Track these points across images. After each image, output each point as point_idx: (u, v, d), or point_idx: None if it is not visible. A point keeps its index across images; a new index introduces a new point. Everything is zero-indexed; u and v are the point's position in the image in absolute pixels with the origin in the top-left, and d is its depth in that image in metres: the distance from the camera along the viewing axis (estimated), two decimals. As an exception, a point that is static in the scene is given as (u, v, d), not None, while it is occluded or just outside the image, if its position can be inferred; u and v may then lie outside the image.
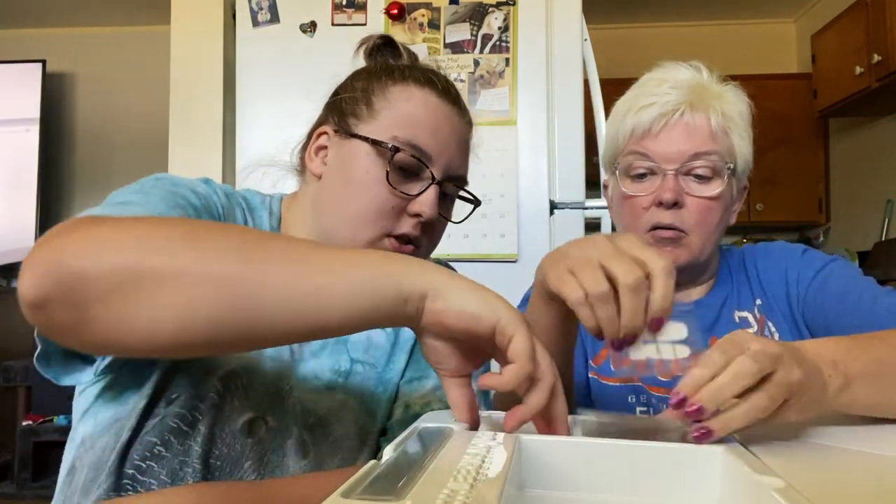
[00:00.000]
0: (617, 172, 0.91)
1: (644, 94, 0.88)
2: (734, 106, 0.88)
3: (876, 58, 2.75)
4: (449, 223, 0.77)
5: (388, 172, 0.68)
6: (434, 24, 1.85)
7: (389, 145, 0.68)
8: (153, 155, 2.98)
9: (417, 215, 0.69)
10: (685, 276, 0.91)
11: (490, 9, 1.84)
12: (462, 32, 1.85)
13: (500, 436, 0.41)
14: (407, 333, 0.76)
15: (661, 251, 0.84)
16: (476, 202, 0.78)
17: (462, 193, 0.77)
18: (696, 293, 0.95)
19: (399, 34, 1.85)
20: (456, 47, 1.84)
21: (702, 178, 0.86)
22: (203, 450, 0.61)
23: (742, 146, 0.88)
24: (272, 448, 0.65)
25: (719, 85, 0.89)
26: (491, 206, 1.80)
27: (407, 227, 0.69)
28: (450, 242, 1.89)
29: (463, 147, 0.75)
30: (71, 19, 3.82)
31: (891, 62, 2.68)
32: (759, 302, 0.91)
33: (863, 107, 3.10)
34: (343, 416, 0.69)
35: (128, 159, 3.75)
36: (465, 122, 0.76)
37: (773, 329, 0.89)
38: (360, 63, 0.80)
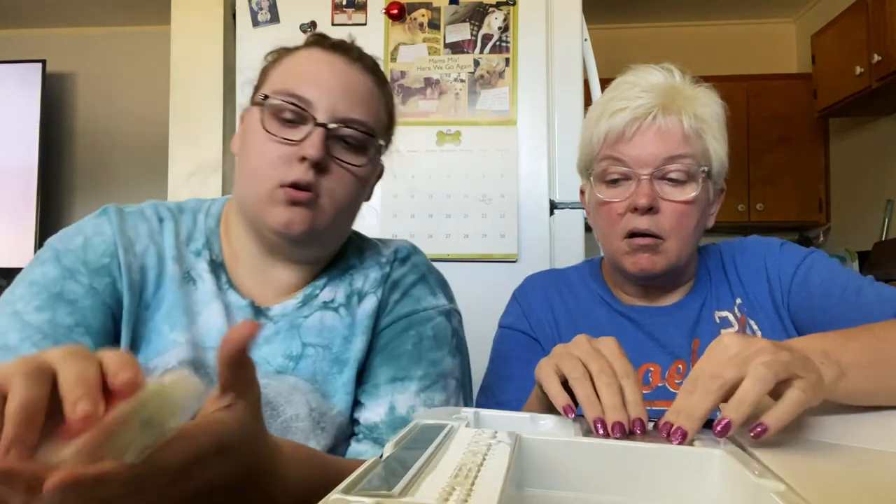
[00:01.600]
0: (592, 178, 0.91)
1: (616, 99, 0.87)
2: (708, 108, 0.87)
3: (876, 58, 2.75)
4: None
5: (262, 121, 0.70)
6: (434, 24, 1.85)
7: (262, 96, 0.71)
8: (153, 155, 2.98)
9: (304, 158, 0.69)
10: (663, 280, 0.91)
11: (490, 9, 1.84)
12: (462, 32, 1.85)
13: (501, 434, 0.41)
14: (363, 314, 0.77)
15: (639, 258, 0.86)
16: (371, 133, 0.74)
17: (356, 136, 0.72)
18: (675, 296, 0.94)
19: (399, 34, 1.85)
20: (456, 47, 1.84)
21: (676, 182, 0.85)
22: None
23: (717, 148, 0.87)
24: None
25: (692, 87, 0.89)
26: (491, 206, 1.80)
27: (298, 172, 0.69)
28: (450, 242, 1.89)
29: (353, 91, 0.73)
30: (71, 19, 3.81)
31: (891, 62, 2.68)
32: (739, 301, 0.90)
33: (863, 107, 3.10)
34: (293, 399, 0.71)
35: (128, 159, 3.75)
36: (356, 68, 0.74)
37: (755, 327, 0.88)
38: None
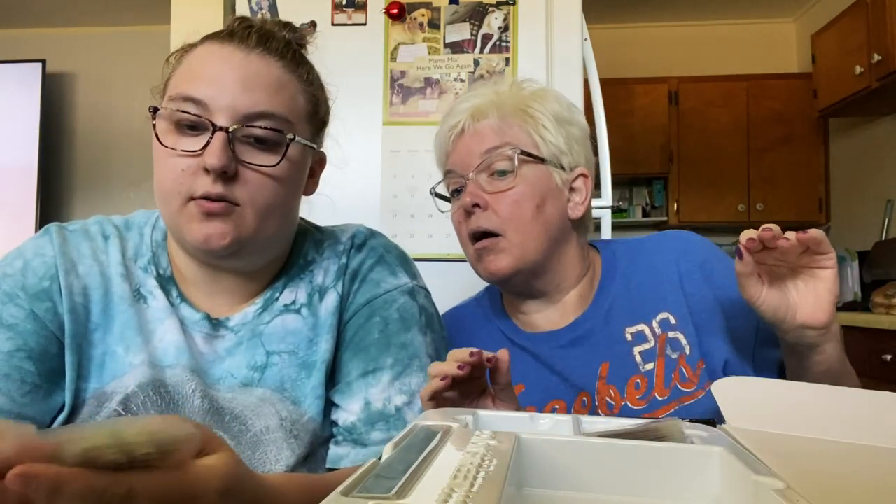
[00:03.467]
0: (436, 199, 0.94)
1: (442, 125, 0.91)
2: (534, 102, 0.86)
3: (876, 58, 2.75)
4: None
5: (159, 135, 0.64)
6: (434, 24, 1.85)
7: (152, 109, 0.65)
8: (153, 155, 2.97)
9: (207, 170, 0.63)
10: (521, 286, 0.87)
11: (490, 9, 1.84)
12: (462, 32, 1.85)
13: (500, 435, 0.41)
14: (326, 313, 0.74)
15: (486, 263, 0.84)
16: (280, 129, 0.66)
17: (264, 134, 0.65)
18: (570, 307, 0.87)
19: (399, 34, 1.85)
20: (456, 47, 1.84)
21: (503, 174, 0.83)
22: None
23: (545, 135, 0.84)
24: None
25: (521, 91, 0.88)
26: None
27: (204, 185, 0.63)
28: (449, 242, 1.89)
29: (253, 83, 0.65)
30: (71, 19, 3.82)
31: (891, 62, 2.68)
32: (661, 316, 0.83)
33: (863, 107, 3.10)
34: (262, 411, 0.68)
35: (128, 159, 3.75)
36: (256, 55, 0.66)
37: (683, 342, 0.81)
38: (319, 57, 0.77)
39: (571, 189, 0.88)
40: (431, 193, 0.95)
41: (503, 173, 0.83)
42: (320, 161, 0.79)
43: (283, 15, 1.88)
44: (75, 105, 3.87)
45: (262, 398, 0.69)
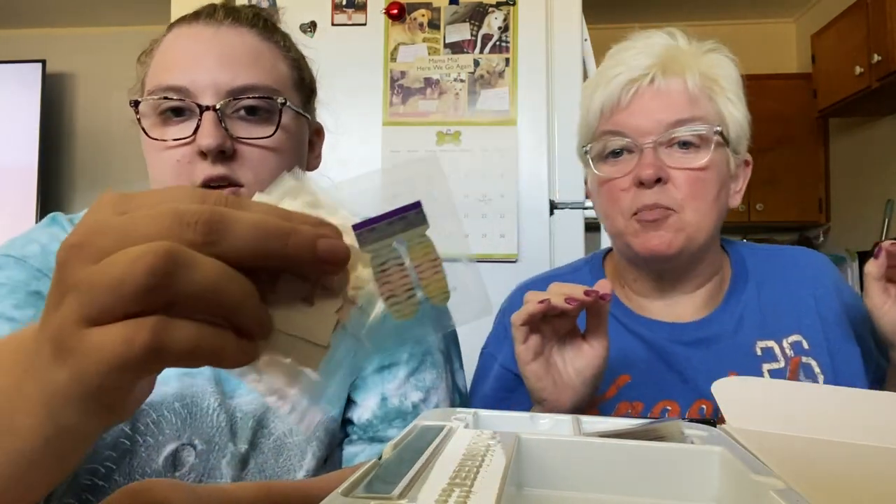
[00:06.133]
0: (590, 159, 0.79)
1: (611, 66, 0.77)
2: (718, 69, 0.77)
3: (876, 58, 2.75)
4: None
5: (145, 130, 0.62)
6: (434, 24, 1.85)
7: (133, 103, 0.63)
8: (144, 154, 2.97)
9: (203, 153, 0.60)
10: (679, 268, 0.79)
11: (490, 9, 1.84)
12: (462, 32, 1.84)
13: (501, 435, 0.41)
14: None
15: (649, 238, 0.74)
16: (269, 95, 0.63)
17: (253, 104, 0.63)
18: (700, 302, 0.81)
19: (399, 34, 1.85)
20: (456, 47, 1.84)
21: (686, 147, 0.74)
22: None
23: (733, 111, 0.77)
24: (206, 471, 0.62)
25: (699, 48, 0.79)
26: (491, 206, 1.80)
27: (205, 170, 0.61)
28: (449, 242, 1.89)
29: (230, 56, 0.62)
30: (71, 19, 3.81)
31: (891, 62, 2.67)
32: (793, 337, 0.78)
33: (863, 107, 3.10)
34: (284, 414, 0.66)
35: (128, 159, 3.74)
36: (226, 27, 0.64)
37: (816, 370, 0.76)
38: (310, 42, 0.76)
39: (735, 176, 0.80)
40: (581, 153, 0.82)
41: (687, 146, 0.74)
42: (318, 132, 0.75)
43: (283, 15, 1.87)
44: (75, 105, 3.87)
45: None
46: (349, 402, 0.72)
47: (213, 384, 0.66)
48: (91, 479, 0.60)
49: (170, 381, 0.65)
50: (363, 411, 0.70)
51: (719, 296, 0.82)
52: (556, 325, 0.63)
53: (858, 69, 2.88)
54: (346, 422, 0.72)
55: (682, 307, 0.82)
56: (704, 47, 0.79)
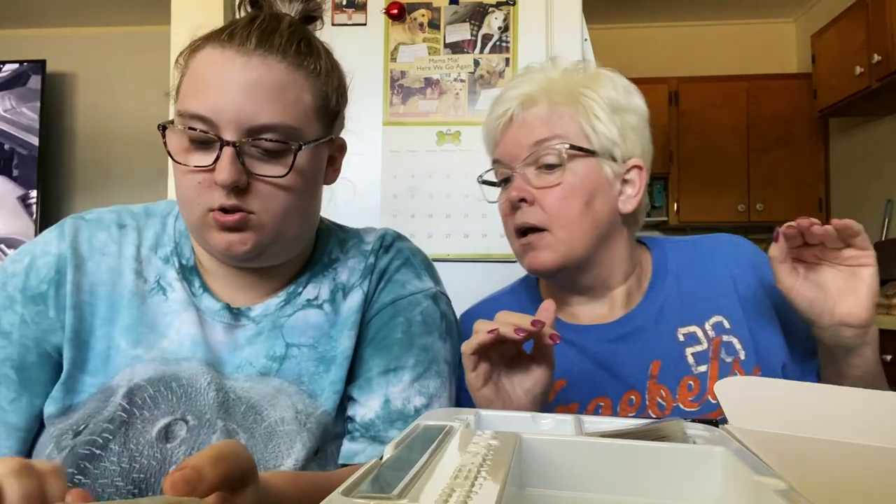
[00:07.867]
0: (484, 188, 0.90)
1: (494, 103, 0.86)
2: (587, 91, 0.82)
3: (876, 58, 2.75)
4: None
5: (172, 152, 0.66)
6: (434, 24, 1.85)
7: (161, 127, 0.67)
8: (153, 155, 2.97)
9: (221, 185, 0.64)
10: (566, 281, 0.85)
11: (490, 9, 1.84)
12: (462, 32, 1.84)
13: (502, 435, 0.41)
14: (349, 310, 0.75)
15: (530, 258, 0.82)
16: (285, 140, 0.65)
17: (269, 146, 0.65)
18: (621, 302, 0.85)
19: (399, 34, 1.85)
20: (456, 47, 1.84)
21: (552, 168, 0.80)
22: (122, 467, 0.62)
23: (601, 126, 0.81)
24: (197, 446, 0.65)
25: (574, 74, 0.84)
26: (491, 206, 1.80)
27: (219, 198, 0.64)
28: (450, 242, 1.89)
29: (256, 90, 0.63)
30: (71, 19, 3.82)
31: (891, 62, 2.68)
32: (714, 319, 0.82)
33: (863, 107, 3.10)
34: (278, 402, 0.68)
35: (128, 159, 3.75)
36: (257, 57, 0.64)
37: (738, 347, 0.80)
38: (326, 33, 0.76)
39: (624, 181, 0.84)
40: (479, 181, 0.91)
41: (551, 167, 0.80)
42: (340, 147, 0.77)
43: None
44: (75, 105, 3.87)
45: (279, 389, 0.70)
46: (350, 400, 0.73)
47: (206, 367, 0.69)
48: (90, 449, 0.63)
49: (168, 363, 0.68)
50: (366, 411, 0.71)
51: (640, 292, 0.87)
52: (502, 350, 0.66)
53: (858, 69, 2.88)
54: (347, 418, 0.73)
55: (603, 308, 0.87)
56: (582, 74, 0.85)
